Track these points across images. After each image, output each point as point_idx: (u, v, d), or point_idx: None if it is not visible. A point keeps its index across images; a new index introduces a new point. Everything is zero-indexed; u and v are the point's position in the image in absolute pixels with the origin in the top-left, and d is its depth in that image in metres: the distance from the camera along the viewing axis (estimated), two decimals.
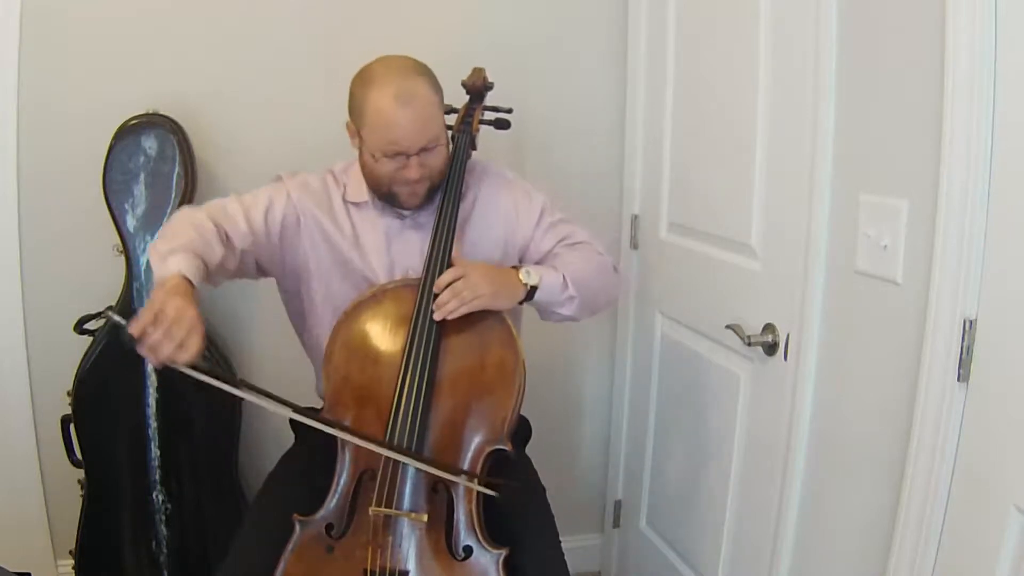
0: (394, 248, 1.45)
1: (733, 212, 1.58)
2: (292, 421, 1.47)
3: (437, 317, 1.30)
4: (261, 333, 2.01)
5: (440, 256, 1.35)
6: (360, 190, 1.45)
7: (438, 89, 1.36)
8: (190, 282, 1.18)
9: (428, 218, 1.44)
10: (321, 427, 1.25)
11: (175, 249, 1.22)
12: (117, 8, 1.81)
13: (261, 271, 1.45)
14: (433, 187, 1.40)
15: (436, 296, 1.31)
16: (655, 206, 1.93)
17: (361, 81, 1.35)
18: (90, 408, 1.80)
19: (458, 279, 1.30)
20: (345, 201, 1.46)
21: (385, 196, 1.40)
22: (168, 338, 1.08)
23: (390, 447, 1.25)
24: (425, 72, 1.36)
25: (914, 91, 1.11)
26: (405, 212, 1.44)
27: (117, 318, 1.13)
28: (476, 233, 1.48)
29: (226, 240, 1.32)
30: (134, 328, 1.08)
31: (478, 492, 1.29)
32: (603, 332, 2.21)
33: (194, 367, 1.12)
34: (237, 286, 1.61)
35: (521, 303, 1.39)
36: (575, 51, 2.05)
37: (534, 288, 1.37)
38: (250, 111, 1.90)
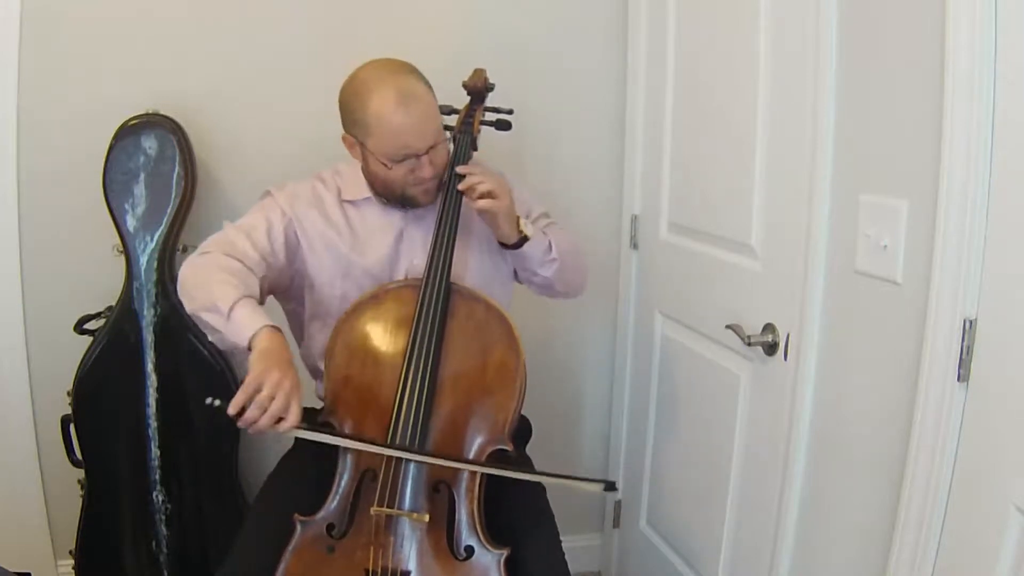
0: (401, 241, 1.46)
1: (733, 212, 1.58)
2: None
3: (462, 187, 1.37)
4: None
5: (442, 258, 1.36)
6: (358, 188, 1.46)
7: (428, 83, 1.38)
8: (273, 327, 1.20)
9: (430, 209, 1.45)
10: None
11: (231, 302, 1.20)
12: (117, 8, 1.81)
13: (268, 292, 1.43)
14: (441, 181, 1.42)
15: (460, 178, 1.38)
16: (655, 206, 1.93)
17: (354, 91, 1.35)
18: (90, 408, 1.80)
19: (485, 181, 1.37)
20: (342, 201, 1.46)
21: (399, 199, 1.42)
22: (267, 415, 1.11)
23: (394, 447, 1.25)
24: (413, 69, 1.37)
25: (914, 91, 1.11)
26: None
27: (217, 403, 1.12)
28: (482, 234, 1.49)
29: (252, 272, 1.32)
30: (231, 408, 1.10)
31: (479, 492, 1.29)
32: (603, 332, 2.21)
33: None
34: None
35: (510, 247, 1.43)
36: (575, 51, 2.05)
37: (525, 238, 1.42)
38: (250, 111, 1.90)
